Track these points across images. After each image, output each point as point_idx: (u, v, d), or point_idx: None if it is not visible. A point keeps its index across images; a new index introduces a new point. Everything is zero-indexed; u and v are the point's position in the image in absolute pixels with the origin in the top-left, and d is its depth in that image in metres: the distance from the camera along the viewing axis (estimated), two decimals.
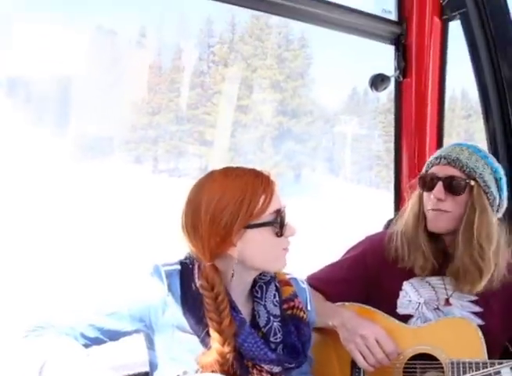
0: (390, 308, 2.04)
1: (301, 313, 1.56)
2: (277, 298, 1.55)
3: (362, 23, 2.70)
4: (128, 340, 1.47)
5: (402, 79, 2.75)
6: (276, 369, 1.48)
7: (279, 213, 1.47)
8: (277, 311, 1.53)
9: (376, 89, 2.71)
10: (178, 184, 31.75)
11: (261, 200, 1.44)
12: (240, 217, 1.42)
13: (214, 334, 1.40)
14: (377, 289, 2.07)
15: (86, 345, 1.41)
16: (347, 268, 2.10)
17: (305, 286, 1.69)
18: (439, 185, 1.97)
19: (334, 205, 28.39)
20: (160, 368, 1.47)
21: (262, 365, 1.46)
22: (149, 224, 21.88)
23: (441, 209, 1.98)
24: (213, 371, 1.37)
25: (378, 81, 2.72)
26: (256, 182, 1.45)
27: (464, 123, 33.79)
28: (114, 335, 1.45)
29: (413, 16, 2.70)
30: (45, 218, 21.57)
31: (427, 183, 2.02)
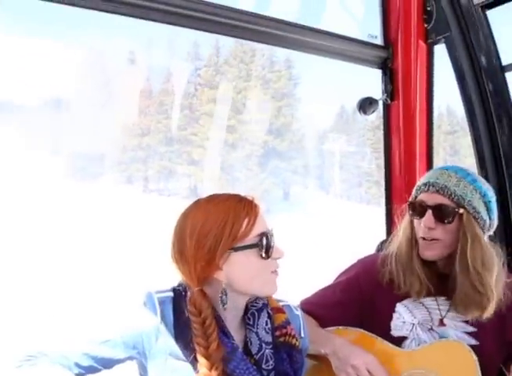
0: (384, 330, 1.99)
1: (294, 340, 1.53)
2: (269, 325, 1.52)
3: (348, 49, 2.65)
4: (121, 367, 1.45)
5: (389, 102, 2.72)
6: None
7: (263, 235, 1.45)
8: (269, 338, 1.51)
9: (365, 113, 2.68)
10: (168, 203, 31.82)
11: (245, 223, 1.43)
12: (224, 240, 1.41)
13: (201, 360, 1.38)
14: (371, 312, 2.02)
15: (80, 374, 1.38)
16: (341, 291, 2.05)
17: (299, 313, 1.65)
18: (429, 213, 1.93)
19: (325, 221, 28.39)
20: None
21: None
22: (140, 242, 21.80)
23: (432, 238, 1.94)
24: None
25: (366, 105, 2.68)
26: (238, 206, 1.44)
27: (450, 138, 34.07)
28: (108, 363, 1.42)
29: (399, 40, 2.67)
30: (38, 238, 21.41)
31: (417, 210, 1.98)
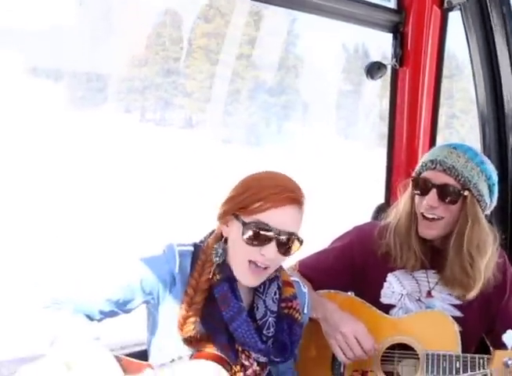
0: (373, 297, 1.99)
1: (297, 315, 1.54)
2: (277, 296, 1.50)
3: (360, 12, 2.45)
4: (128, 320, 1.48)
5: (398, 67, 2.52)
6: (262, 359, 1.46)
7: (260, 225, 1.40)
8: (275, 307, 1.50)
9: (372, 77, 2.50)
10: (164, 132, 31.59)
11: (259, 203, 1.39)
12: (234, 201, 1.43)
13: (189, 289, 1.42)
14: (362, 279, 2.02)
15: (101, 319, 1.42)
16: (334, 258, 2.02)
17: (306, 290, 1.64)
18: (433, 192, 1.84)
19: (319, 158, 28.21)
20: (158, 339, 1.47)
21: (251, 352, 1.45)
22: (138, 170, 21.69)
23: (433, 217, 1.87)
24: (181, 328, 1.38)
25: (374, 69, 2.50)
26: (270, 188, 1.40)
27: (447, 82, 33.45)
28: (126, 307, 1.44)
29: (413, 4, 2.45)
30: (39, 167, 21.19)
31: (421, 187, 1.89)
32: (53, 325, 1.33)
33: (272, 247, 1.39)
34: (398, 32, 2.50)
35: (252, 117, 30.59)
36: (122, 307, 1.44)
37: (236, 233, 1.44)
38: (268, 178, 1.44)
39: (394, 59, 2.52)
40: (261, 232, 1.39)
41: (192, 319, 1.42)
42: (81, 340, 1.31)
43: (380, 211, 2.52)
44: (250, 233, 1.40)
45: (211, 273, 1.44)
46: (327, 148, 28.03)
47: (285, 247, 1.41)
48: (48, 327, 1.34)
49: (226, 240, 1.48)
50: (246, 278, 1.45)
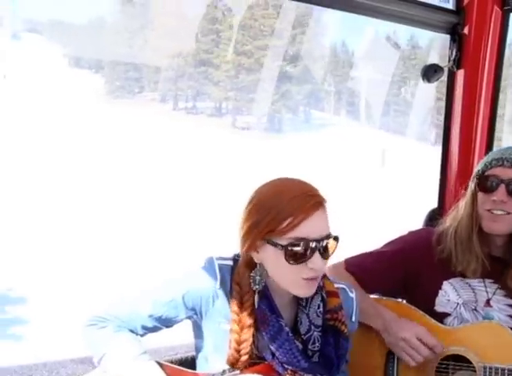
0: (427, 305, 1.80)
1: (343, 327, 1.38)
2: (321, 309, 1.36)
3: (417, 13, 2.18)
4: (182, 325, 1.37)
5: (456, 70, 2.26)
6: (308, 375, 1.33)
7: (300, 241, 1.22)
8: (319, 321, 1.35)
9: (429, 80, 2.22)
10: (195, 120, 31.59)
11: (287, 221, 1.22)
12: (261, 226, 1.24)
13: (234, 326, 1.28)
14: (415, 286, 1.82)
15: (144, 334, 1.33)
16: (387, 262, 1.83)
17: (353, 295, 1.46)
18: (502, 187, 1.71)
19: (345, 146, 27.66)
20: (204, 352, 1.35)
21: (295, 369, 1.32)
22: (169, 156, 21.71)
23: (503, 211, 1.71)
24: (234, 363, 1.26)
25: (431, 72, 2.21)
26: (293, 201, 1.22)
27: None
28: (169, 323, 1.34)
29: (473, 5, 2.18)
30: (79, 151, 21.28)
31: (487, 184, 1.75)
32: (99, 342, 1.27)
33: (317, 258, 1.24)
34: (456, 33, 2.23)
35: (276, 105, 30.31)
36: (165, 323, 1.34)
37: (274, 257, 1.26)
38: (284, 192, 1.26)
39: (451, 62, 2.26)
40: (304, 249, 1.23)
41: (244, 358, 1.29)
42: (127, 356, 1.24)
43: (433, 215, 2.27)
44: (293, 254, 1.24)
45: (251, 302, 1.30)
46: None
47: (327, 253, 1.27)
48: (95, 344, 1.27)
49: (260, 265, 1.31)
50: (301, 292, 1.29)
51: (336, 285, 1.42)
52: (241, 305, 1.28)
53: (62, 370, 1.38)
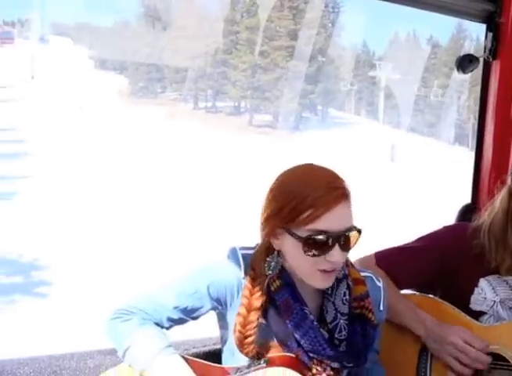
0: (463, 303, 1.69)
1: (370, 315, 1.30)
2: (347, 297, 1.28)
3: (452, 1, 2.01)
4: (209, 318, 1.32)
5: (491, 60, 2.08)
6: (335, 364, 1.25)
7: (319, 234, 1.15)
8: (345, 309, 1.28)
9: (463, 71, 2.05)
10: (215, 118, 31.72)
11: (308, 212, 1.15)
12: (281, 215, 1.18)
13: (241, 310, 1.22)
14: (451, 283, 1.71)
15: (170, 327, 1.28)
16: (422, 257, 1.70)
17: (381, 284, 1.37)
18: None
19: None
20: (230, 344, 1.28)
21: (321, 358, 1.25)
22: (192, 154, 21.82)
23: None
24: (242, 341, 1.20)
25: (466, 62, 2.04)
26: (316, 192, 1.15)
27: None
28: (195, 314, 1.28)
29: None
30: (108, 151, 21.46)
31: None
32: (124, 335, 1.21)
33: (336, 251, 1.16)
34: (492, 22, 2.05)
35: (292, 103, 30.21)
36: (190, 314, 1.27)
37: (292, 247, 1.19)
38: (308, 181, 1.17)
39: (487, 52, 2.08)
40: (322, 242, 1.16)
41: (249, 339, 1.21)
42: (152, 349, 1.18)
43: (467, 210, 2.12)
44: (311, 246, 1.16)
45: (269, 280, 1.23)
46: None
47: (347, 245, 1.19)
48: (119, 337, 1.21)
49: (278, 252, 1.23)
50: (317, 283, 1.22)
51: (362, 273, 1.34)
52: (252, 289, 1.23)
53: (89, 361, 1.35)
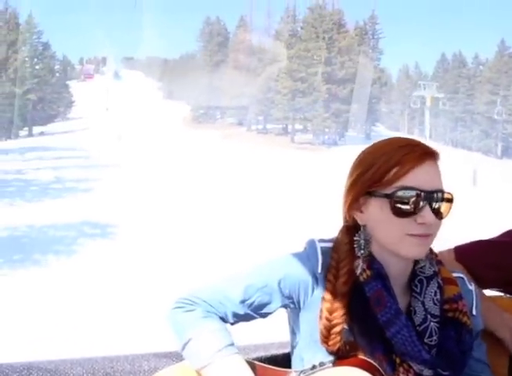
0: None
1: (465, 318, 1.14)
2: (438, 297, 1.13)
3: None
4: (271, 321, 1.23)
5: None
6: (427, 372, 1.09)
7: (406, 189, 1.05)
8: (436, 311, 1.12)
9: None
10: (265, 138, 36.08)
11: (394, 170, 1.06)
12: (364, 179, 1.08)
13: (326, 295, 1.09)
14: None
15: (235, 323, 1.14)
16: (507, 252, 1.47)
17: (473, 288, 1.21)
18: None
19: None
20: (299, 349, 1.17)
21: (412, 364, 1.08)
22: (248, 168, 25.79)
23: None
24: (326, 336, 1.07)
25: None
26: (398, 151, 1.07)
27: None
28: (263, 310, 1.15)
29: None
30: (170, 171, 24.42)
31: None
32: (186, 326, 1.11)
33: (427, 212, 1.04)
34: None
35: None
36: (258, 310, 1.14)
37: (379, 211, 1.07)
38: (391, 143, 1.10)
39: None
40: (412, 198, 1.05)
41: (337, 328, 1.08)
42: (213, 345, 1.08)
43: None
44: (399, 202, 1.05)
45: (359, 269, 1.09)
46: None
47: (438, 209, 1.06)
48: (181, 328, 1.11)
49: (364, 227, 1.12)
50: (408, 250, 1.06)
51: (453, 274, 1.20)
52: (337, 273, 1.11)
53: (144, 364, 1.31)
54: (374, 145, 1.13)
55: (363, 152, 1.13)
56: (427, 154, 1.07)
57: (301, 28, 36.35)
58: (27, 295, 8.97)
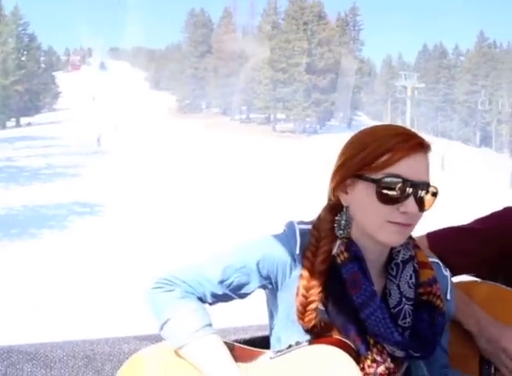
0: None
1: (438, 301, 1.16)
2: (413, 280, 1.15)
3: None
4: (250, 304, 1.28)
5: None
6: (399, 353, 1.11)
7: (394, 177, 1.06)
8: (411, 293, 1.14)
9: None
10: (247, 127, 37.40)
11: (386, 156, 1.06)
12: (354, 161, 1.09)
13: (304, 272, 1.09)
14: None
15: (213, 303, 1.15)
16: (478, 239, 1.49)
17: (447, 273, 1.24)
18: None
19: None
20: (277, 330, 1.19)
21: (385, 345, 1.11)
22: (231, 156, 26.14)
23: None
24: (302, 313, 1.09)
25: None
26: (392, 138, 1.07)
27: None
28: (241, 291, 1.15)
29: None
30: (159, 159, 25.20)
31: None
32: (164, 306, 1.13)
33: (411, 201, 1.06)
34: None
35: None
36: (236, 291, 1.15)
37: (364, 194, 1.08)
38: (385, 129, 1.11)
39: None
40: (398, 186, 1.06)
41: (312, 305, 1.11)
42: (191, 325, 1.09)
43: None
44: (385, 189, 1.06)
45: (336, 250, 1.11)
46: None
47: (422, 201, 1.08)
48: (159, 308, 1.13)
49: (347, 208, 1.12)
50: (387, 237, 1.09)
51: (430, 259, 1.22)
52: (316, 251, 1.11)
53: (124, 346, 1.32)
54: (371, 128, 1.13)
55: (359, 132, 1.13)
56: (420, 146, 1.07)
57: (282, 20, 37.17)
58: (24, 266, 10.47)
